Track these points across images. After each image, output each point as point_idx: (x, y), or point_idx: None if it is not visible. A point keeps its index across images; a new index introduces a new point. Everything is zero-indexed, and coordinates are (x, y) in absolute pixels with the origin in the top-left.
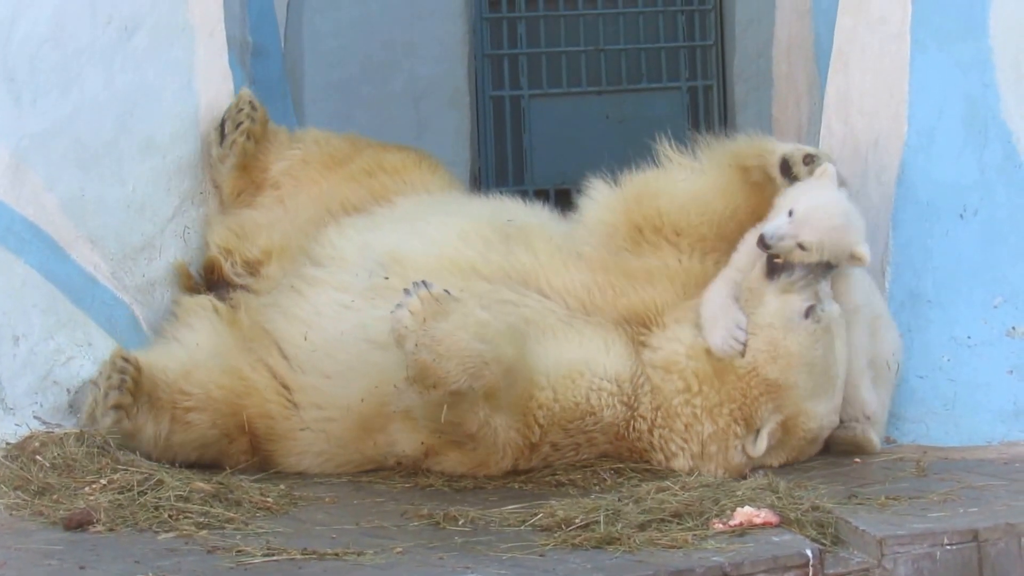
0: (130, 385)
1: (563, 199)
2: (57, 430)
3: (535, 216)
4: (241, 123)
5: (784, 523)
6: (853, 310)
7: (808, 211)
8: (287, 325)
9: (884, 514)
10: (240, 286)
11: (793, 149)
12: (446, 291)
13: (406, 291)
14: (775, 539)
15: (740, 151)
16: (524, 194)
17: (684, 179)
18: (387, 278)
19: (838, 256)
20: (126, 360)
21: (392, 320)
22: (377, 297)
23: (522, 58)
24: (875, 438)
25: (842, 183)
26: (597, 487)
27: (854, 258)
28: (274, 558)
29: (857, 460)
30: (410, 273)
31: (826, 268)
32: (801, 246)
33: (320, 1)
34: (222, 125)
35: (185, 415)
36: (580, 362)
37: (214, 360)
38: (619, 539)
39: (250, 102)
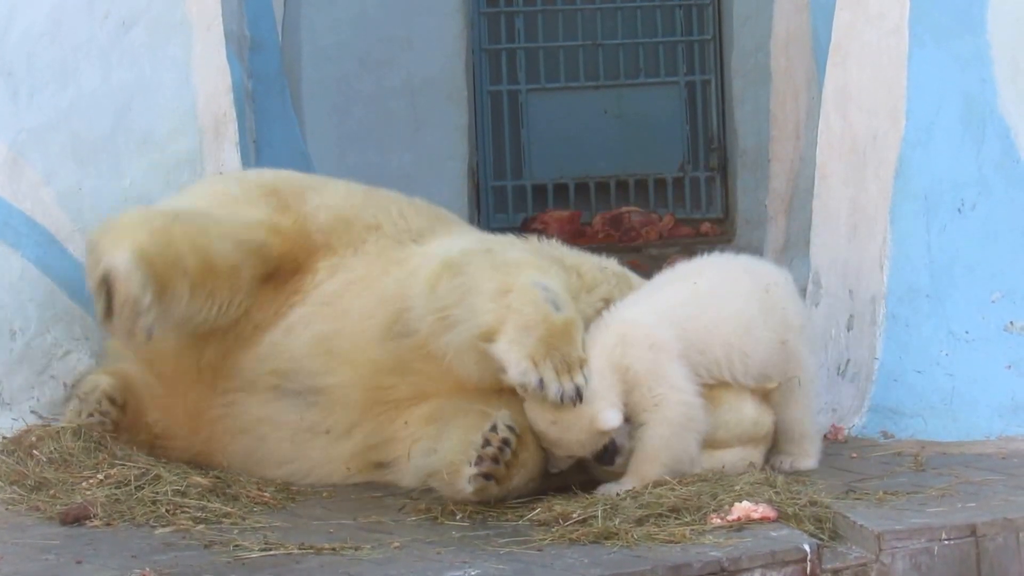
0: (109, 427)
1: (560, 193)
2: (54, 424)
3: None
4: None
5: (782, 518)
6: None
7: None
8: None
9: (882, 509)
10: None
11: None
12: None
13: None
14: (773, 534)
15: None
16: (522, 188)
17: None
18: None
19: None
20: (112, 401)
21: None
22: None
23: (520, 53)
24: None
25: None
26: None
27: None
28: (271, 553)
29: (854, 455)
30: None
31: None
32: None
33: None
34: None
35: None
36: None
37: None
38: (617, 534)
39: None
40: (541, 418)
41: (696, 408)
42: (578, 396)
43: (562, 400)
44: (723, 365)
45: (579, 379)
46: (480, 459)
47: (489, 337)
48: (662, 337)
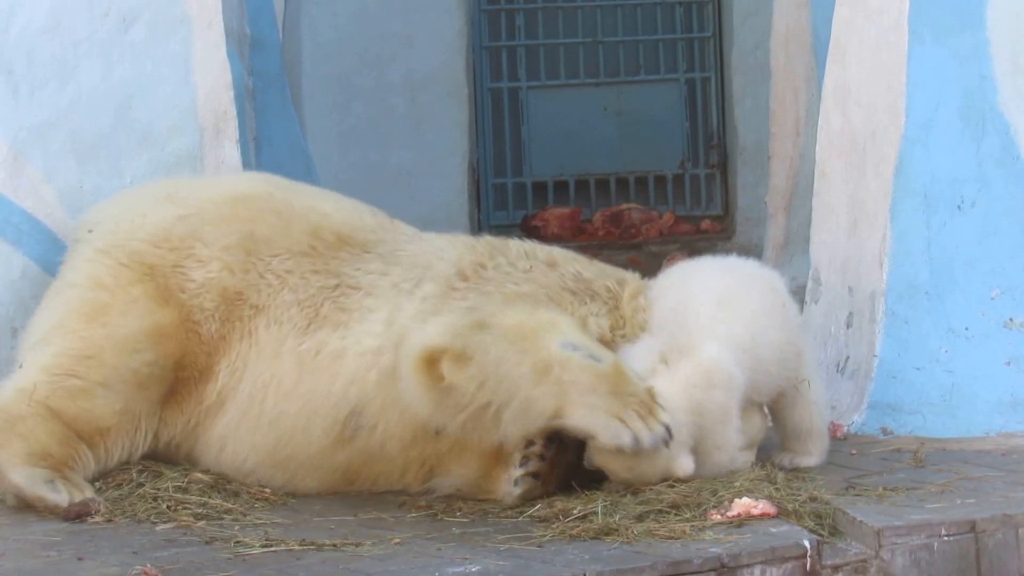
0: None
1: (561, 191)
2: None
3: None
4: None
5: (782, 514)
6: None
7: None
8: None
9: (882, 505)
10: None
11: None
12: None
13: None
14: (773, 530)
15: None
16: (522, 186)
17: None
18: None
19: None
20: None
21: None
22: None
23: (520, 50)
24: None
25: None
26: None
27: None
28: (272, 549)
29: (854, 452)
30: None
31: None
32: None
33: None
34: None
35: None
36: None
37: None
38: (617, 530)
39: None
40: (619, 465)
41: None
42: (669, 435)
43: (655, 445)
44: (762, 390)
45: (663, 417)
46: (525, 459)
47: (559, 415)
48: (738, 379)
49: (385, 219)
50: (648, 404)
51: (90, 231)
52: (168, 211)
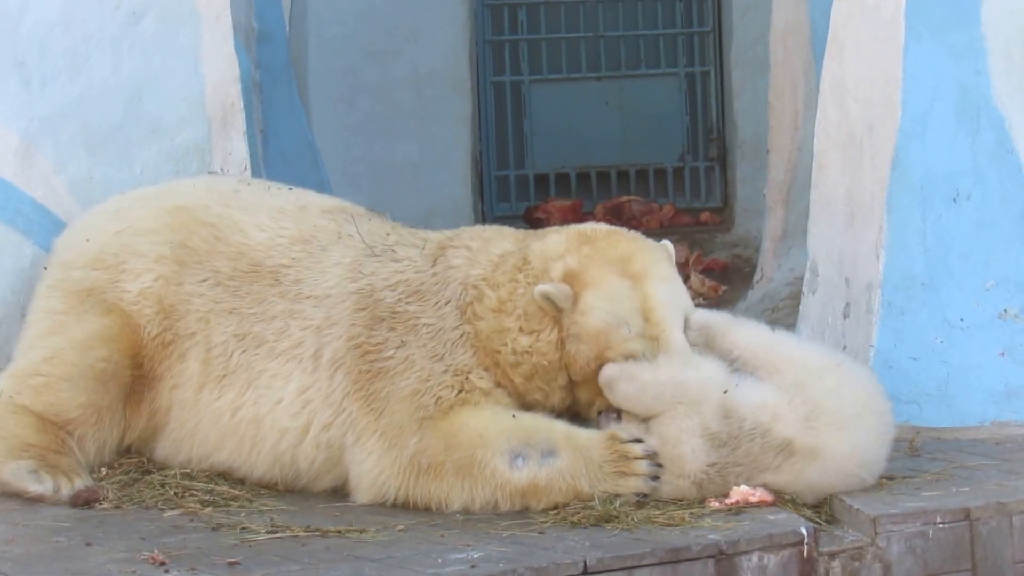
0: None
1: (562, 183)
2: None
3: None
4: None
5: (779, 502)
6: None
7: None
8: None
9: (878, 493)
10: None
11: None
12: None
13: None
14: (770, 517)
15: None
16: (525, 178)
17: None
18: None
19: None
20: None
21: None
22: None
23: (523, 44)
24: None
25: None
26: None
27: None
28: (278, 535)
29: None
30: None
31: None
32: None
33: None
34: None
35: None
36: None
37: None
38: (617, 517)
39: None
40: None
41: None
42: (657, 466)
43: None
44: None
45: (636, 457)
46: None
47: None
48: None
49: (309, 226)
50: (617, 459)
51: (45, 268)
52: (108, 228)
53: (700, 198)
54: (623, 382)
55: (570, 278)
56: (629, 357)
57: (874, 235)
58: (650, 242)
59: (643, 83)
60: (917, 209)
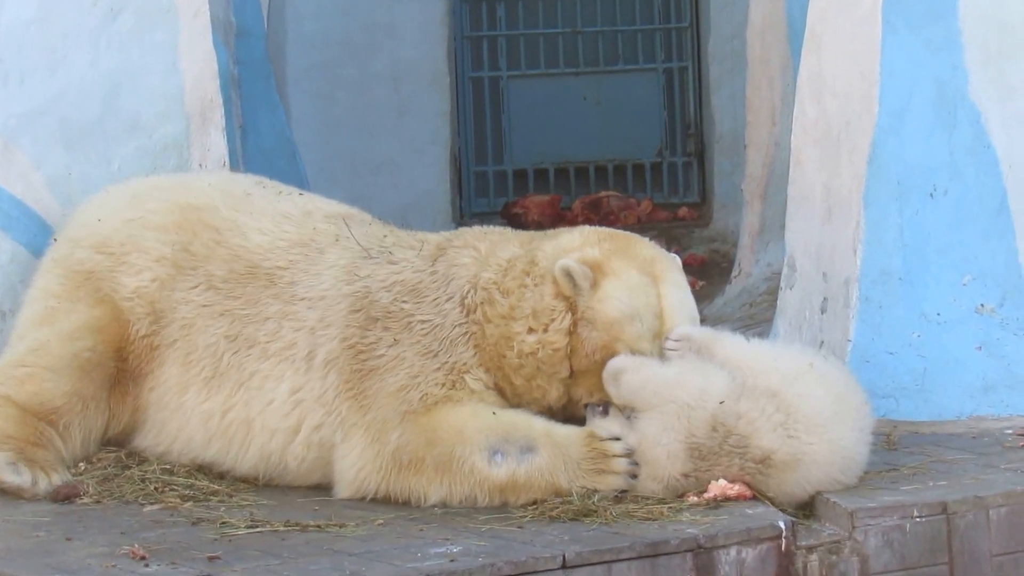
0: None
1: (541, 178)
2: None
3: None
4: None
5: (757, 496)
6: None
7: None
8: None
9: (855, 487)
10: None
11: None
12: None
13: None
14: (748, 511)
15: None
16: (503, 173)
17: None
18: None
19: None
20: None
21: None
22: None
23: (501, 40)
24: None
25: None
26: None
27: None
28: (257, 530)
29: None
30: None
31: None
32: None
33: None
34: None
35: None
36: None
37: None
38: (596, 511)
39: None
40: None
41: None
42: (634, 463)
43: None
44: None
45: (616, 453)
46: None
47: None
48: None
49: (309, 230)
50: (595, 457)
51: (54, 239)
52: (121, 214)
53: (678, 193)
54: (630, 373)
55: (591, 265)
56: (635, 353)
57: (851, 230)
58: (665, 251)
59: (621, 78)
60: (894, 204)
